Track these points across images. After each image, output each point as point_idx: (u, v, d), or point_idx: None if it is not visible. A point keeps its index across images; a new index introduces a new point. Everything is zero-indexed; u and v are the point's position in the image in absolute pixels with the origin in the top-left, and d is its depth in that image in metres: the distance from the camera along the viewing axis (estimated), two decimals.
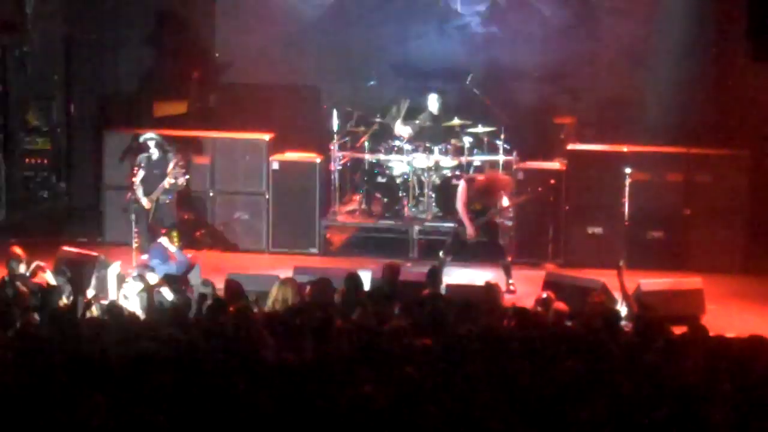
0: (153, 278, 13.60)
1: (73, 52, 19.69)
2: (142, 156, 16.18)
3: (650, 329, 10.94)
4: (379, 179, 18.26)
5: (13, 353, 9.73)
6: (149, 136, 16.23)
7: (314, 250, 17.77)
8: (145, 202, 16.00)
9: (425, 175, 17.99)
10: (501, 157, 17.81)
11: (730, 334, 12.74)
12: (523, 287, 15.54)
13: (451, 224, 17.60)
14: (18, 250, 14.36)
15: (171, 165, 16.05)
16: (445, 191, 17.90)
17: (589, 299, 12.31)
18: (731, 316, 14.45)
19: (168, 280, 13.68)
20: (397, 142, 18.11)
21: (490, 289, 13.61)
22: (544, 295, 12.55)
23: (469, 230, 15.68)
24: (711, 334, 11.15)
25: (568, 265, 16.81)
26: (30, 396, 8.54)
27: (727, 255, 16.74)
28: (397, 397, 8.52)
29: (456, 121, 18.35)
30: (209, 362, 9.43)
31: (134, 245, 15.93)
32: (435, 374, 9.21)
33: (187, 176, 16.22)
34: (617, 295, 14.17)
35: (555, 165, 17.69)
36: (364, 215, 18.44)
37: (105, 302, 12.99)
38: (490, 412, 8.25)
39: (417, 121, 18.38)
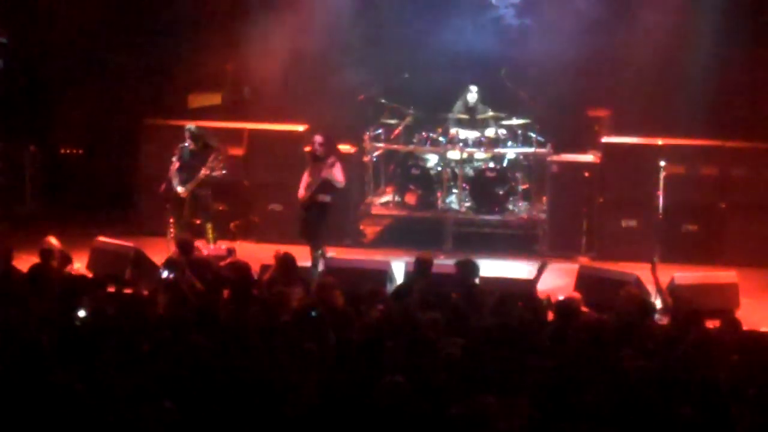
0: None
1: (110, 42, 19.79)
2: (181, 146, 16.23)
3: (687, 323, 10.92)
4: (413, 171, 18.26)
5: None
6: (187, 128, 16.24)
7: (348, 242, 17.80)
8: (181, 191, 16.04)
9: (459, 167, 17.99)
10: (535, 149, 17.80)
11: (764, 329, 12.76)
12: (557, 280, 15.52)
13: (485, 216, 17.70)
14: (53, 240, 14.46)
15: (211, 157, 16.09)
16: (478, 183, 17.90)
17: (621, 292, 12.27)
18: (766, 310, 14.38)
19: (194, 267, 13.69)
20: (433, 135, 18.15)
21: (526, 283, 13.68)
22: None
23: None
24: (745, 328, 11.13)
25: (601, 258, 16.76)
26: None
27: (763, 249, 16.61)
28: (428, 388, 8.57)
29: (490, 113, 18.36)
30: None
31: (170, 236, 15.99)
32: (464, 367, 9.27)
33: (225, 170, 16.23)
34: (651, 289, 14.18)
35: (589, 158, 17.65)
36: (398, 207, 18.46)
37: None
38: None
39: (450, 114, 18.41)
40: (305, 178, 15.70)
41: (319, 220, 15.71)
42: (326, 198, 15.64)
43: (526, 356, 9.54)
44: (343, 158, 16.04)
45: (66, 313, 11.16)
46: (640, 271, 14.65)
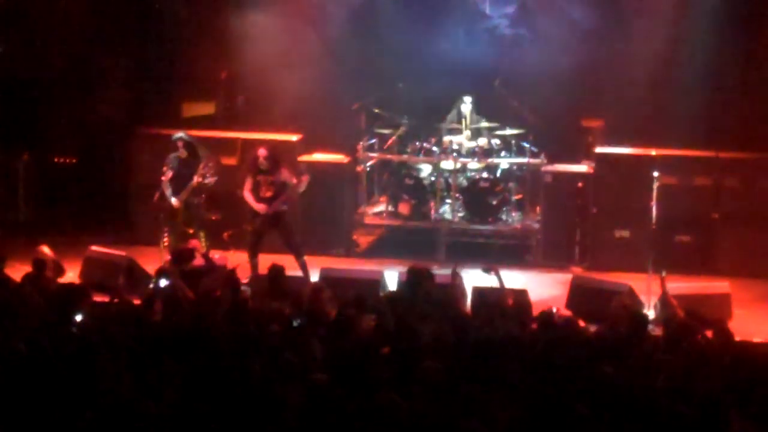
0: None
1: (104, 51, 19.78)
2: (172, 156, 16.21)
3: (679, 334, 10.90)
4: (407, 181, 18.25)
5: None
6: (178, 136, 16.24)
7: (341, 252, 17.79)
8: (174, 202, 16.03)
9: (452, 177, 17.99)
10: (528, 159, 17.81)
11: (757, 339, 12.78)
12: (550, 290, 15.53)
13: (479, 226, 17.70)
14: (46, 249, 14.45)
15: (201, 165, 16.09)
16: (472, 193, 17.90)
17: (613, 303, 12.26)
18: (758, 321, 14.39)
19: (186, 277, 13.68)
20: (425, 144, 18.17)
21: (519, 294, 13.65)
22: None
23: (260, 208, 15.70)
24: (737, 339, 11.13)
25: (594, 268, 16.76)
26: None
27: (756, 259, 16.60)
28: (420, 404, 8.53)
29: (484, 123, 18.35)
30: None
31: (162, 245, 15.98)
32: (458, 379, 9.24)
33: (216, 177, 16.24)
34: (644, 299, 14.21)
35: (583, 168, 17.66)
36: (392, 217, 18.45)
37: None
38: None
39: (443, 123, 18.41)
40: (250, 193, 15.71)
41: (292, 229, 15.90)
42: (285, 207, 15.81)
43: (515, 369, 9.52)
44: (290, 171, 16.16)
45: (62, 322, 11.15)
46: (633, 281, 14.66)
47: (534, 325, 11.77)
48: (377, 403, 8.27)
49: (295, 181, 15.83)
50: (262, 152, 15.68)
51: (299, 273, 15.40)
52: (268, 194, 15.65)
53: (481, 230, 17.89)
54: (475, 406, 8.53)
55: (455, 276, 13.73)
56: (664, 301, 13.93)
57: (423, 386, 8.91)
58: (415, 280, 13.11)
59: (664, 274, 14.11)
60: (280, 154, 16.17)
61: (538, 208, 17.96)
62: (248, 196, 15.72)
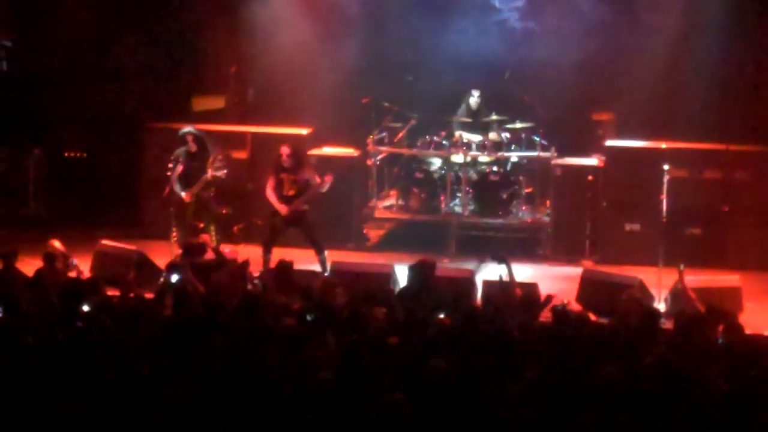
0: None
1: (114, 45, 19.80)
2: (181, 150, 16.21)
3: (693, 327, 10.87)
4: (417, 175, 18.26)
5: None
6: (188, 130, 16.25)
7: (351, 245, 17.79)
8: (184, 196, 16.04)
9: (462, 170, 17.99)
10: (539, 153, 17.80)
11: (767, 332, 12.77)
12: (560, 284, 15.51)
13: (489, 219, 17.70)
14: (57, 243, 14.48)
15: (211, 158, 16.10)
16: (482, 187, 17.90)
17: (624, 296, 12.24)
18: None
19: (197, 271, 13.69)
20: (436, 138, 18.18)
21: (529, 287, 13.65)
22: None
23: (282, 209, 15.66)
24: (748, 332, 11.12)
25: (605, 261, 16.74)
26: None
27: (766, 252, 16.61)
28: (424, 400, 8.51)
29: (494, 117, 18.34)
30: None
31: (173, 239, 16.00)
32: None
33: (226, 170, 16.26)
34: (654, 292, 14.19)
35: (593, 161, 17.65)
36: (402, 210, 18.45)
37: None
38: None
39: (454, 118, 18.41)
40: (273, 192, 15.69)
41: (313, 226, 15.80)
42: (306, 207, 15.76)
43: (524, 362, 9.52)
44: (314, 170, 16.13)
45: (70, 315, 11.18)
46: (644, 274, 14.65)
47: (543, 318, 11.79)
48: (384, 403, 8.25)
49: (318, 180, 15.76)
50: (285, 150, 15.66)
51: (314, 267, 15.39)
52: (291, 192, 15.64)
53: (491, 224, 17.88)
54: (484, 402, 8.54)
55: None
56: (676, 294, 13.93)
57: (430, 384, 8.90)
58: (424, 273, 13.15)
59: (682, 267, 14.07)
60: (303, 153, 16.18)
61: (548, 202, 17.95)
62: (270, 194, 15.70)
